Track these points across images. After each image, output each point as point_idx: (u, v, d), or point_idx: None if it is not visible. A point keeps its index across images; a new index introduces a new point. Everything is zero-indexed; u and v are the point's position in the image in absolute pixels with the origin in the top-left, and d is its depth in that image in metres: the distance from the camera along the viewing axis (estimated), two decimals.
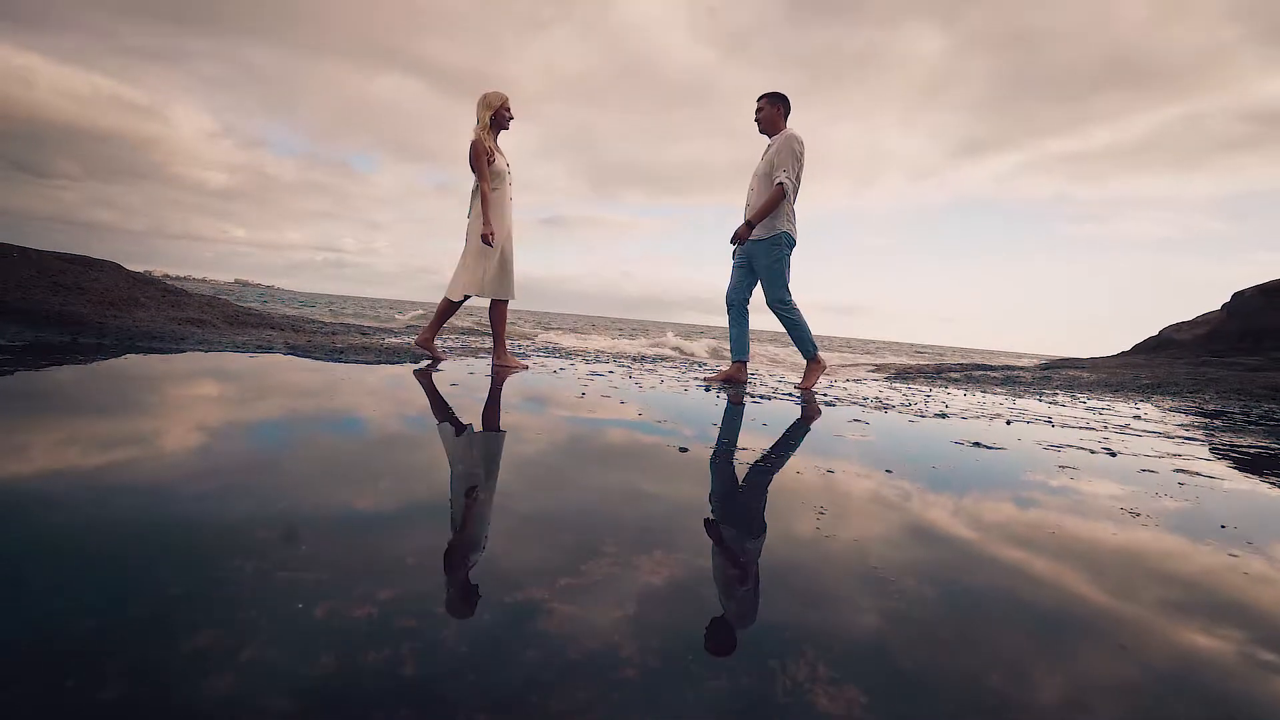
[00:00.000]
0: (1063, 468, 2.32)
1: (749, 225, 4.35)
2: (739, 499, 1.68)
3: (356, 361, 3.83)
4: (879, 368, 14.18)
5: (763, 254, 4.38)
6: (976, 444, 2.70)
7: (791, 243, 4.36)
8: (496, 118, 4.09)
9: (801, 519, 1.51)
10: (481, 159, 4.01)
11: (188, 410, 2.12)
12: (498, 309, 4.36)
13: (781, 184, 4.22)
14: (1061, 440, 3.00)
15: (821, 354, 4.71)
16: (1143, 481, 2.20)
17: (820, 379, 4.39)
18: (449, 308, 4.29)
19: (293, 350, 4.11)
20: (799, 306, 4.42)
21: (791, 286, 4.42)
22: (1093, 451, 2.74)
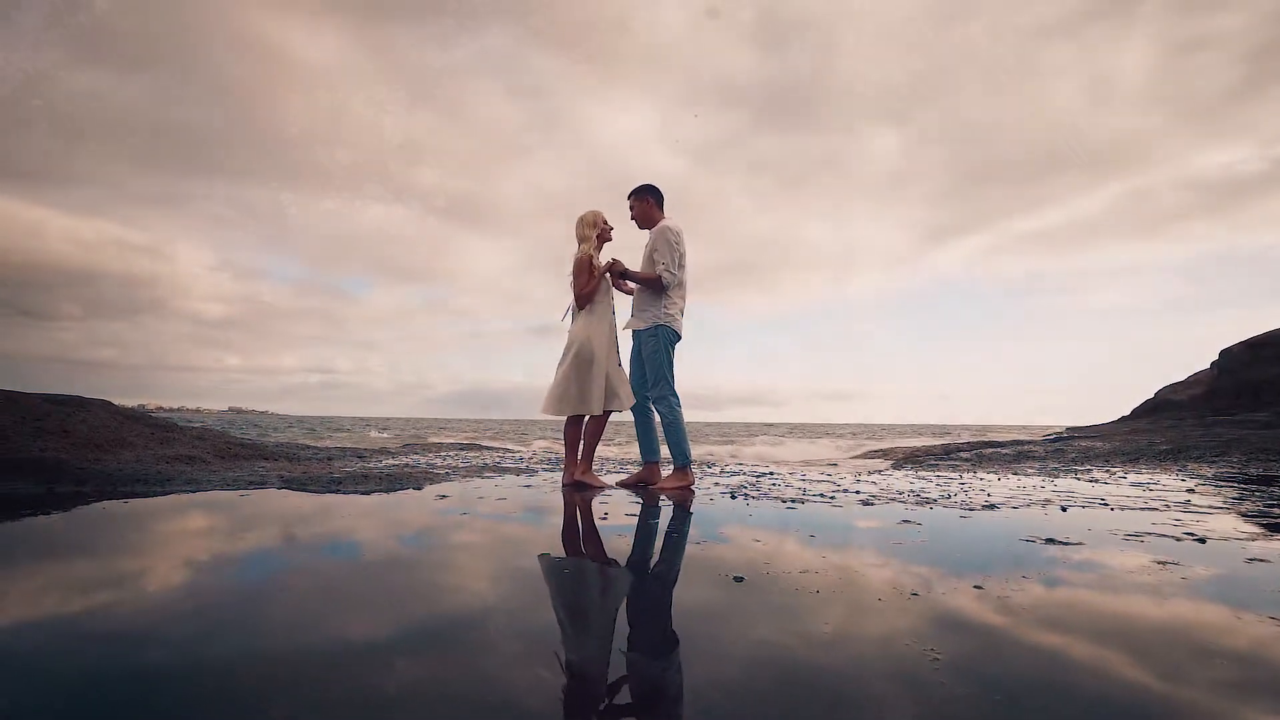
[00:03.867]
0: (1162, 564, 2.05)
1: (626, 274, 4.12)
2: (829, 645, 1.40)
3: (355, 492, 3.55)
4: (885, 453, 13.85)
5: (643, 344, 4.18)
6: (1050, 540, 2.44)
7: (672, 336, 4.13)
8: (601, 235, 4.22)
9: (920, 678, 1.24)
10: (582, 275, 4.09)
11: (149, 572, 1.85)
12: (596, 422, 4.19)
13: (661, 276, 4.05)
14: (1135, 527, 2.73)
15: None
16: (1267, 577, 1.93)
17: (686, 489, 4.05)
18: (599, 426, 4.15)
19: (288, 484, 3.83)
20: (680, 406, 4.12)
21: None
22: (1177, 539, 2.47)
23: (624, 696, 1.17)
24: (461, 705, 1.07)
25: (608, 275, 4.17)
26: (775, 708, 1.09)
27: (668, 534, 2.63)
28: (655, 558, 2.24)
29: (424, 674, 1.17)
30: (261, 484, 3.80)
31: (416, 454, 7.52)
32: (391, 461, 6.02)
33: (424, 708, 1.06)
